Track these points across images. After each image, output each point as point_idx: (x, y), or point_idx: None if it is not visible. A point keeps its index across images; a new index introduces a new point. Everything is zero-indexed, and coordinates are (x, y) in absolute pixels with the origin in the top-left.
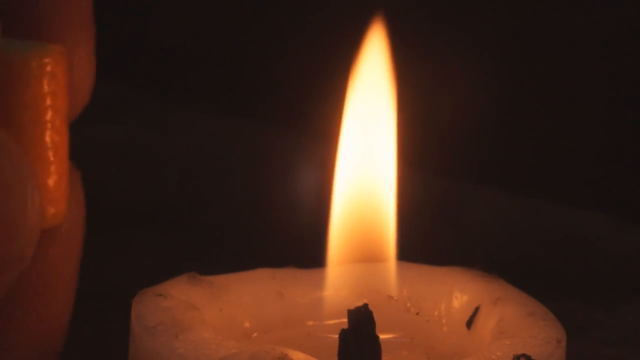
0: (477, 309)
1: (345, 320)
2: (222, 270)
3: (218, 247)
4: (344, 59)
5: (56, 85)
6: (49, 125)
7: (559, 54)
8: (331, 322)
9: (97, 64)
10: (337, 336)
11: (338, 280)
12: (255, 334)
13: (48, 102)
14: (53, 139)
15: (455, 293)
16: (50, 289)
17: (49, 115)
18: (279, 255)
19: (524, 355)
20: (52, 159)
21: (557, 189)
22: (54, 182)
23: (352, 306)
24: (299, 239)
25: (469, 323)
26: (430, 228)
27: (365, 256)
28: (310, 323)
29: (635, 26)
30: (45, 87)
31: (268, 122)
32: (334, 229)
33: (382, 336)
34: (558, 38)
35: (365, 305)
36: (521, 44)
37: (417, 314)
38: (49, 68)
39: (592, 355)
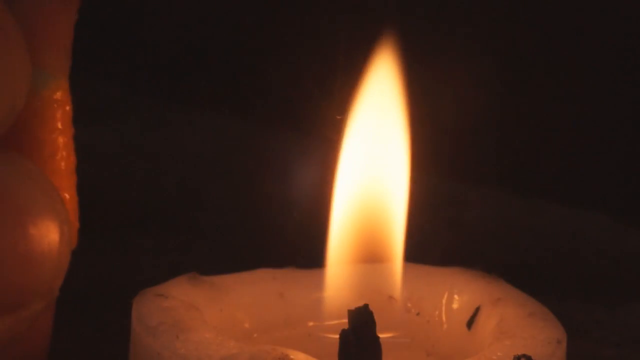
0: (477, 310)
1: (346, 320)
2: (223, 270)
3: (218, 247)
4: (344, 59)
5: (67, 117)
6: (64, 155)
7: (559, 54)
8: (331, 322)
9: (97, 63)
10: (337, 336)
11: (338, 280)
12: (255, 334)
13: (64, 134)
14: (67, 168)
15: (456, 293)
16: None
17: (63, 145)
18: (280, 255)
19: (524, 355)
20: (66, 188)
21: (557, 189)
22: (70, 211)
23: (353, 306)
24: (299, 240)
25: (470, 323)
26: (431, 228)
27: (369, 257)
28: (311, 323)
29: (635, 26)
30: (60, 120)
31: (268, 122)
32: (336, 229)
33: (382, 336)
34: (558, 38)
35: (366, 306)
36: (521, 45)
37: (418, 314)
38: (64, 101)
39: (593, 355)
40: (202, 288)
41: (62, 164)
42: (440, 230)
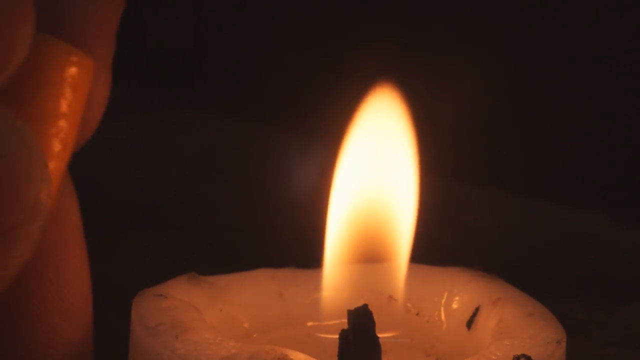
0: (477, 309)
1: (345, 320)
2: (222, 270)
3: (218, 247)
4: (344, 58)
5: (81, 86)
6: (61, 121)
7: (559, 54)
8: (331, 322)
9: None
10: (337, 337)
11: (338, 280)
12: (255, 335)
13: (69, 98)
14: (60, 136)
15: (456, 293)
16: (63, 278)
17: (65, 110)
18: (279, 255)
19: (524, 355)
20: (54, 152)
21: (557, 189)
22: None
23: (352, 306)
24: (299, 240)
25: (469, 323)
26: (430, 228)
27: (370, 256)
28: (310, 323)
29: (636, 25)
30: (70, 86)
31: (268, 122)
32: (337, 229)
33: (382, 336)
34: (558, 38)
35: (365, 306)
36: (521, 45)
37: (417, 314)
38: (80, 66)
39: (592, 355)
40: (202, 288)
41: (60, 128)
42: (441, 230)
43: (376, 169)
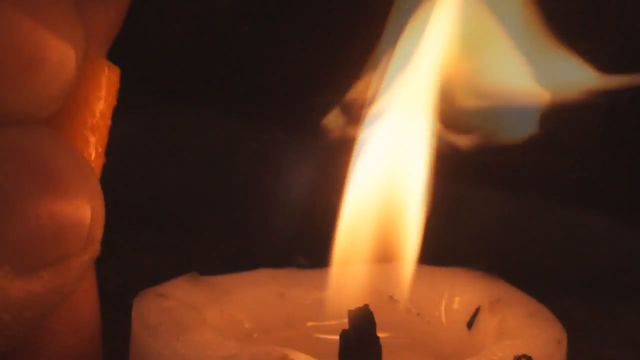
0: (477, 310)
1: (346, 321)
2: (223, 270)
3: (219, 247)
4: (344, 59)
5: (113, 97)
6: (98, 133)
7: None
8: (332, 322)
9: None
10: (337, 337)
11: (339, 281)
12: (255, 335)
13: (106, 110)
14: (98, 148)
15: (456, 294)
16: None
17: (102, 122)
18: (280, 255)
19: (524, 355)
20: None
21: (557, 189)
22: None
23: (353, 307)
24: (299, 240)
25: (470, 324)
26: (431, 228)
27: (375, 256)
28: (311, 324)
29: (636, 26)
30: (106, 99)
31: (268, 122)
32: (341, 229)
33: (382, 336)
34: (558, 37)
35: (366, 306)
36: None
37: (418, 314)
38: (115, 79)
39: (593, 355)
40: (202, 288)
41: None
42: (441, 230)
43: (390, 171)
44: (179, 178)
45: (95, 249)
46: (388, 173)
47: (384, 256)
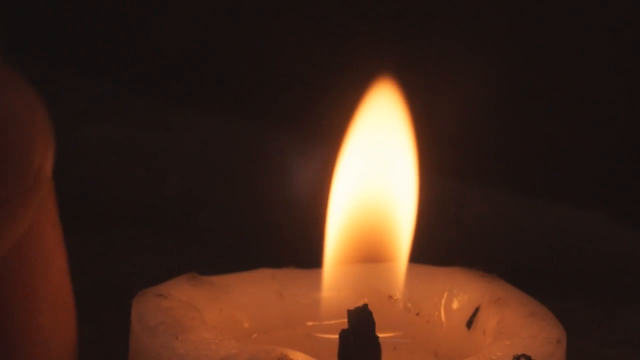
0: (477, 309)
1: (345, 320)
2: (222, 270)
3: (218, 247)
4: (344, 59)
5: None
6: None
7: (559, 54)
8: (331, 322)
9: (97, 64)
10: (337, 336)
11: (338, 280)
12: (255, 334)
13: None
14: None
15: (456, 293)
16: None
17: None
18: (279, 255)
19: (524, 355)
20: None
21: (557, 189)
22: None
23: (352, 306)
24: (299, 240)
25: (469, 323)
26: (430, 228)
27: (370, 256)
28: (310, 323)
29: (636, 25)
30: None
31: (268, 122)
32: (336, 229)
33: (382, 336)
34: (558, 37)
35: (365, 306)
36: (521, 44)
37: (418, 314)
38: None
39: (592, 355)
40: (202, 288)
41: None
42: (440, 230)
43: (376, 168)
44: (179, 178)
45: (44, 188)
46: (376, 173)
47: (378, 256)
